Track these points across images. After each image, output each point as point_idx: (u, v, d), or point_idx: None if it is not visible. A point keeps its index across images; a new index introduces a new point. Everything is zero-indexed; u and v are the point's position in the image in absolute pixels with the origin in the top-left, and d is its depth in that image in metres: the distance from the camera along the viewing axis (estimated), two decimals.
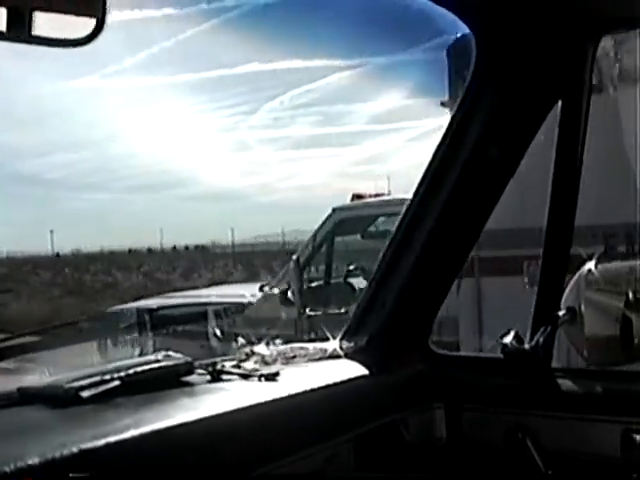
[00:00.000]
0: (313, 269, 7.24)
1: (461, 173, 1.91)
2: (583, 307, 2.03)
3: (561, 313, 2.02)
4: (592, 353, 2.07)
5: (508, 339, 1.98)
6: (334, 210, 7.05)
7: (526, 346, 1.97)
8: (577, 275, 2.08)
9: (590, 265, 2.11)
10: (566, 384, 1.99)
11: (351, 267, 6.57)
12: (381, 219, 7.20)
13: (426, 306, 2.05)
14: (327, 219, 7.01)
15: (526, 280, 4.61)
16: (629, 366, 2.16)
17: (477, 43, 1.83)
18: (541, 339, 1.97)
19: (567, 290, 2.07)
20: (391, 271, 1.99)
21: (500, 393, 2.02)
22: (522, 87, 1.89)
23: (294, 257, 6.25)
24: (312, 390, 1.79)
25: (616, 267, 2.19)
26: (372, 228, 7.47)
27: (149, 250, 29.63)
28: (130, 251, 28.69)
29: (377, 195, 7.76)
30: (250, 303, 6.98)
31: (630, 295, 2.05)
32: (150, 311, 6.90)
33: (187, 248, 31.08)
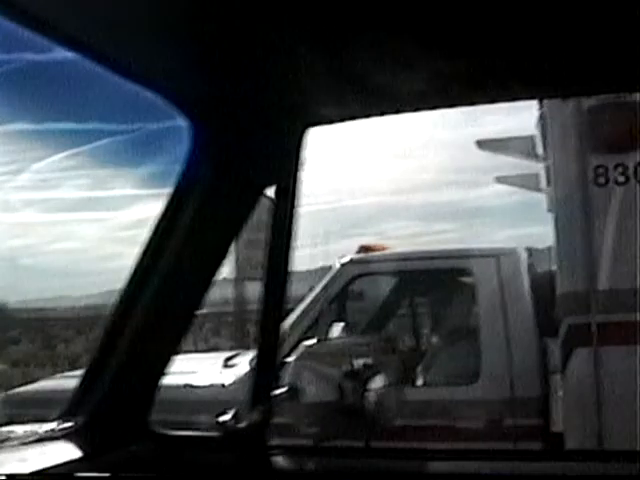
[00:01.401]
0: None
1: (177, 255, 1.93)
2: (302, 383, 2.11)
3: (279, 391, 2.08)
4: (312, 428, 2.14)
5: (226, 417, 2.01)
6: (343, 265, 5.49)
7: (242, 424, 2.01)
8: (296, 352, 2.16)
9: (309, 342, 2.21)
10: (280, 461, 2.04)
11: None
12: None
13: (144, 386, 2.04)
14: (335, 277, 5.47)
15: None
16: (347, 440, 2.25)
17: (191, 128, 1.88)
18: (256, 417, 2.01)
19: (286, 367, 2.14)
20: (107, 350, 1.97)
21: (218, 472, 2.03)
22: (235, 175, 1.95)
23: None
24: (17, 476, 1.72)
25: (333, 343, 2.29)
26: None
27: None
28: None
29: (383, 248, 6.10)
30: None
31: (346, 367, 2.15)
32: None
33: None
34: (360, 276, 5.53)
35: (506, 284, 5.01)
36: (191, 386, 5.14)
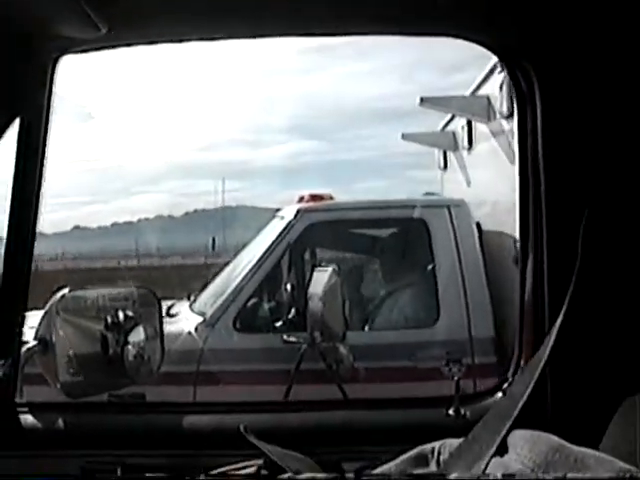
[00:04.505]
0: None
1: None
2: (57, 336, 1.95)
3: (31, 344, 1.92)
4: (68, 383, 2.00)
5: None
6: (299, 212, 5.36)
7: None
8: (49, 304, 2.00)
9: (64, 292, 2.05)
10: (29, 420, 1.89)
11: None
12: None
13: None
14: (290, 226, 5.33)
15: None
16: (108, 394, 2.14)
17: None
18: (2, 372, 1.85)
19: (39, 319, 1.98)
20: None
21: None
22: None
23: None
24: None
25: (89, 294, 2.14)
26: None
27: None
28: None
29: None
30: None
31: (109, 318, 2.02)
32: None
33: None
34: (315, 225, 5.43)
35: (458, 233, 5.22)
36: None
